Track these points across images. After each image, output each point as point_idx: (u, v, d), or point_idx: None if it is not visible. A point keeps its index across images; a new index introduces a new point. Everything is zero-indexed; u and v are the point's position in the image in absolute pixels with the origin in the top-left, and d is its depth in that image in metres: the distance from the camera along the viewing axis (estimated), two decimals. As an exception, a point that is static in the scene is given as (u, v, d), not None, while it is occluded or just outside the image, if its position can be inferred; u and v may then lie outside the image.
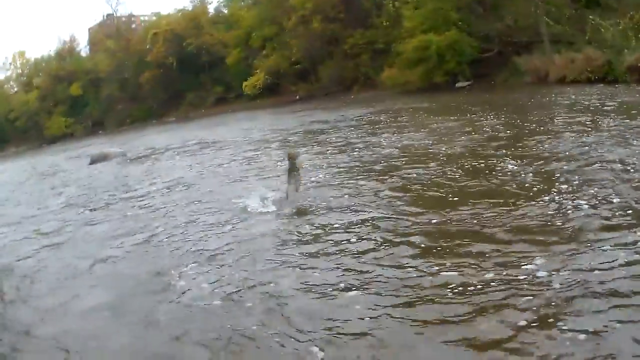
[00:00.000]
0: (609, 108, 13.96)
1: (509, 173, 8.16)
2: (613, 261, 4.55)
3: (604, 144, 9.24)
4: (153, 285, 5.59)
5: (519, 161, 8.88)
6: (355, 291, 4.75)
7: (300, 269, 5.48)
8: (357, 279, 4.98)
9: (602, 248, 4.86)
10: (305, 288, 5.00)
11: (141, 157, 19.50)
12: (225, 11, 62.56)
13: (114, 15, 73.48)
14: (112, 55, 65.16)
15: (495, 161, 9.15)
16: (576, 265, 4.60)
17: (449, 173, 8.77)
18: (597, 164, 7.90)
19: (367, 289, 4.75)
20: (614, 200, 6.09)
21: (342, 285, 4.93)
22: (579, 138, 10.18)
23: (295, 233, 6.69)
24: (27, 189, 16.58)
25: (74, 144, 48.09)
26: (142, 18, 76.83)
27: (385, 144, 13.25)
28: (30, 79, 76.04)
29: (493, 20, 32.84)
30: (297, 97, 46.65)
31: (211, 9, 64.50)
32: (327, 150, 13.28)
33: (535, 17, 29.60)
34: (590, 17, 25.65)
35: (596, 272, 4.40)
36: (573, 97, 17.64)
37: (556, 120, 13.16)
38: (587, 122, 11.93)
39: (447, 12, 33.23)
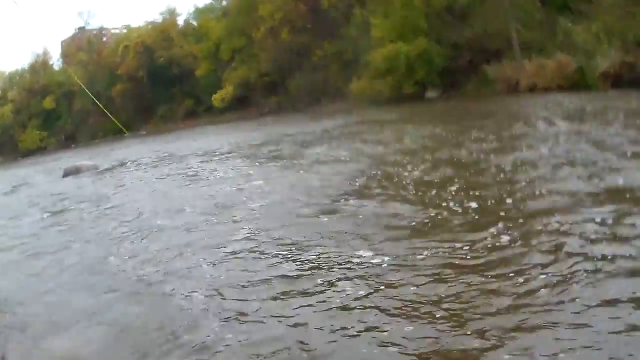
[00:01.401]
0: (545, 116, 13.56)
1: (405, 178, 8.58)
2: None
3: (501, 151, 9.70)
4: (102, 265, 6.66)
5: (417, 167, 9.29)
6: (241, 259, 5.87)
7: (214, 251, 6.38)
8: (245, 253, 6.04)
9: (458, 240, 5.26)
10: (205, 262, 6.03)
11: (112, 170, 20.21)
12: (195, 23, 61.62)
13: (86, 28, 72.76)
14: (84, 67, 64.13)
15: (396, 169, 9.51)
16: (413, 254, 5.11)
17: (347, 177, 9.37)
18: (481, 170, 8.32)
19: (241, 260, 5.83)
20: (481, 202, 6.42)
21: (237, 271, 5.63)
22: (480, 146, 10.54)
23: (217, 228, 7.48)
24: (4, 201, 17.39)
25: (48, 156, 48.52)
26: (113, 31, 75.29)
27: (309, 155, 13.69)
28: (4, 92, 75.14)
29: (463, 28, 31.72)
30: (267, 109, 45.70)
31: (180, 20, 63.84)
32: (259, 162, 14.25)
33: (506, 22, 28.55)
34: (561, 20, 24.60)
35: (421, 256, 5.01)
36: (525, 106, 17.47)
37: (478, 130, 12.85)
38: (504, 131, 12.22)
39: (416, 20, 32.28)
